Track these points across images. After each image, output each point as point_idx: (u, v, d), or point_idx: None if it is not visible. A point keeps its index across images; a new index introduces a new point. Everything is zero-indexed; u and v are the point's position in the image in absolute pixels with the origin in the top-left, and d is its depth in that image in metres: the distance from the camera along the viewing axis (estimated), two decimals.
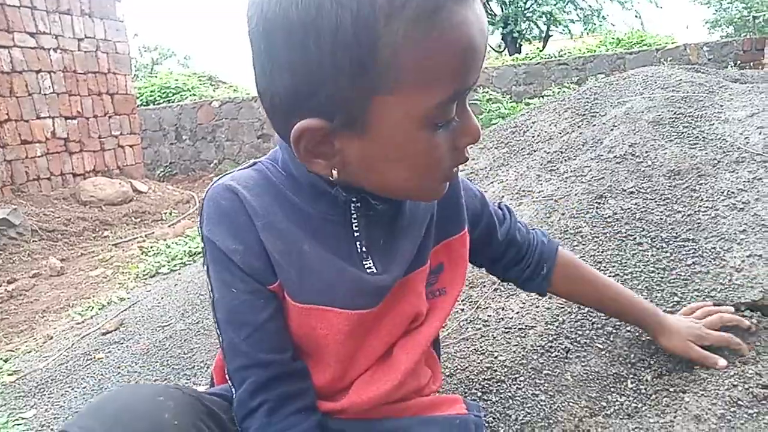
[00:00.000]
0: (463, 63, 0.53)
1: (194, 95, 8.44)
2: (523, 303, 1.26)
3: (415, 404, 0.77)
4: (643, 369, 1.03)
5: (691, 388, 0.94)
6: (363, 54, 0.50)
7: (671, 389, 0.96)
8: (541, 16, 14.81)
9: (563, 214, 1.50)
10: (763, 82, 2.07)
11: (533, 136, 2.09)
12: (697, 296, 1.10)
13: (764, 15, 16.40)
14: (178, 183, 6.89)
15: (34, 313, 2.93)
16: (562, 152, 1.85)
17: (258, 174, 0.66)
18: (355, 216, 0.66)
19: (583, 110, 2.08)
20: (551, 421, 0.93)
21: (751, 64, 6.79)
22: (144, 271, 3.19)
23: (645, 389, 0.99)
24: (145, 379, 1.61)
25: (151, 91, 8.42)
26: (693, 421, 0.85)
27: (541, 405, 0.97)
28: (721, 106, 1.71)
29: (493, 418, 0.97)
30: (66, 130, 4.99)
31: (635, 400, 0.96)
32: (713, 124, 1.62)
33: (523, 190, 1.72)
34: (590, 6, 14.53)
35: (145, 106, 7.89)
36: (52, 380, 1.77)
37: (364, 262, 0.67)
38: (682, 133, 1.64)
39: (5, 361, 2.08)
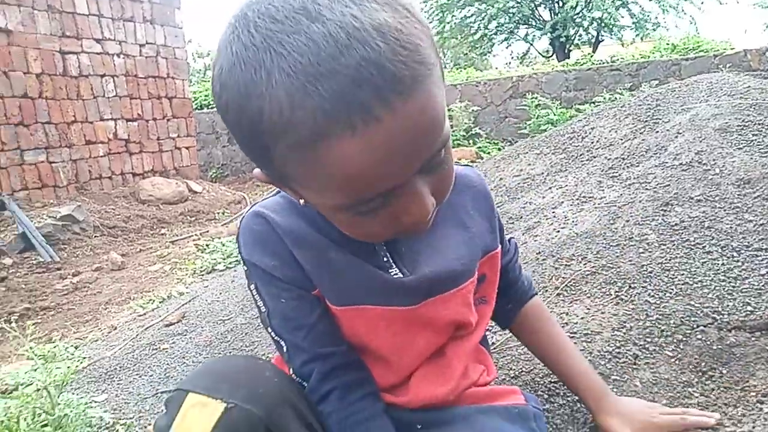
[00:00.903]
0: (354, 185, 0.51)
1: None
2: (588, 309, 1.25)
3: (473, 394, 0.79)
4: (714, 378, 1.02)
5: None
6: (262, 155, 0.53)
7: (747, 399, 0.94)
8: (591, 22, 14.54)
9: (627, 221, 1.49)
10: None
11: (592, 142, 2.07)
12: None
13: None
14: (229, 184, 7.09)
15: (98, 304, 3.08)
16: (624, 158, 1.83)
17: (284, 199, 0.72)
18: None
19: (644, 117, 2.05)
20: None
21: None
22: (201, 267, 3.30)
23: (717, 398, 0.97)
24: None
25: (206, 95, 8.70)
26: None
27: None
28: None
29: (561, 420, 0.98)
30: (127, 131, 5.22)
31: (709, 408, 0.95)
32: None
33: (584, 196, 1.71)
34: (643, 11, 14.16)
35: (199, 109, 8.16)
36: (120, 368, 1.86)
37: (390, 270, 0.71)
38: (752, 141, 1.59)
39: (76, 348, 2.19)
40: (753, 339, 1.06)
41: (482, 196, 0.80)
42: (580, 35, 14.86)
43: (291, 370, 0.72)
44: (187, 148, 5.92)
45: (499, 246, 0.82)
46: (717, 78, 2.09)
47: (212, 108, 8.76)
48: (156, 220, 4.79)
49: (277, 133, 0.49)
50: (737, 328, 1.08)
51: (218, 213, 5.30)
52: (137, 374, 1.78)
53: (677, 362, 1.05)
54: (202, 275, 3.26)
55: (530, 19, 14.90)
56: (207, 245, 4.04)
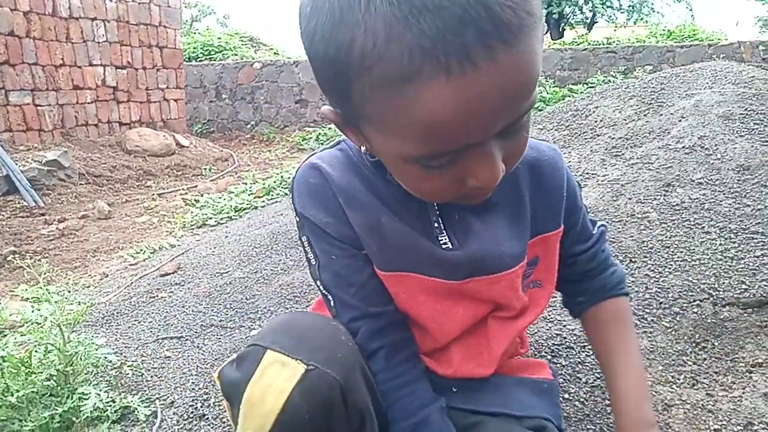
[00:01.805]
0: (435, 135, 0.49)
1: (236, 55, 8.49)
2: None
3: (507, 364, 0.81)
4: (707, 349, 1.08)
5: (757, 370, 0.98)
6: (341, 89, 0.51)
7: (736, 369, 1.01)
8: (587, 2, 14.48)
9: (630, 199, 1.53)
10: None
11: (596, 121, 2.11)
12: (765, 286, 1.14)
13: None
14: (214, 140, 6.99)
15: (85, 252, 3.06)
16: (627, 139, 1.87)
17: (341, 153, 0.71)
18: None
19: (649, 99, 2.09)
20: None
21: None
22: (191, 221, 3.30)
23: (708, 367, 1.04)
24: (210, 319, 1.70)
25: (194, 48, 8.48)
26: (762, 398, 0.90)
27: None
28: None
29: (564, 380, 1.03)
30: (115, 79, 5.09)
31: (701, 376, 1.01)
32: None
33: (588, 173, 1.75)
34: None
35: (187, 61, 7.96)
36: (117, 313, 1.87)
37: (440, 237, 0.69)
38: (753, 129, 1.64)
39: (69, 292, 2.19)
40: (745, 315, 1.12)
41: (549, 172, 0.73)
42: (575, 14, 14.80)
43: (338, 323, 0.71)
44: (175, 100, 5.80)
45: (560, 227, 0.76)
46: (722, 66, 2.14)
47: (200, 60, 8.56)
48: (142, 171, 4.73)
49: (365, 66, 0.47)
50: (731, 304, 1.14)
51: (205, 169, 5.25)
52: (135, 320, 1.80)
53: (673, 333, 1.11)
54: (192, 229, 3.25)
55: None
56: (196, 200, 4.02)
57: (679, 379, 1.01)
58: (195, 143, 5.71)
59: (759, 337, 1.10)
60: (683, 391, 0.97)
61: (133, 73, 5.26)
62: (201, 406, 1.26)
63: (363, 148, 0.62)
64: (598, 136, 1.98)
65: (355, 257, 0.69)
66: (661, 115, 1.91)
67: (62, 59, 4.65)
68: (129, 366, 1.34)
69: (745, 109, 1.74)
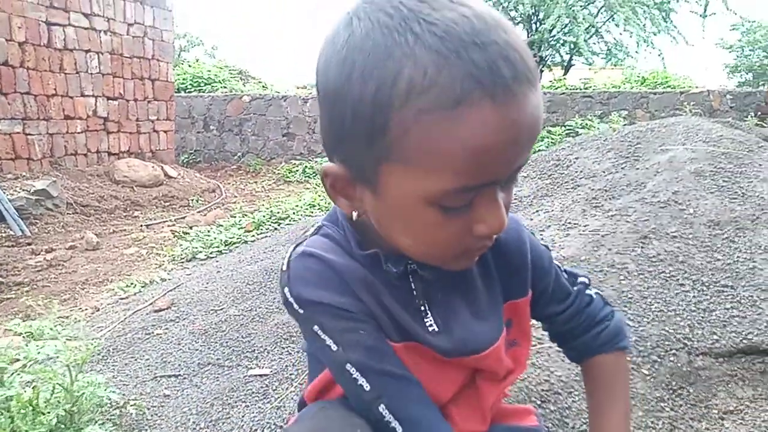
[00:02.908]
0: (473, 162, 0.53)
1: (225, 87, 8.62)
2: None
3: (499, 411, 0.87)
4: (682, 396, 1.17)
5: (729, 417, 1.07)
6: (377, 125, 0.54)
7: (710, 416, 1.10)
8: (564, 44, 15.00)
9: (610, 250, 1.64)
10: None
11: (577, 172, 2.24)
12: (735, 337, 1.24)
13: None
14: (201, 170, 7.04)
15: (74, 284, 3.07)
16: (606, 190, 1.99)
17: (328, 239, 0.71)
18: (412, 279, 0.72)
19: (626, 152, 2.22)
20: None
21: None
22: (180, 254, 3.33)
23: (684, 413, 1.12)
24: (207, 357, 1.74)
25: (183, 79, 8.59)
26: None
27: None
28: (760, 165, 1.85)
29: (552, 425, 1.11)
30: (107, 109, 5.15)
31: (677, 422, 1.10)
32: (752, 181, 1.76)
33: (570, 222, 1.86)
34: (615, 40, 14.70)
35: (176, 92, 8.06)
36: (113, 350, 1.90)
37: (426, 320, 0.72)
38: (723, 186, 1.78)
39: (63, 327, 2.21)
40: (717, 364, 1.22)
41: (513, 246, 0.77)
42: (553, 56, 15.30)
43: (379, 407, 0.69)
44: (165, 131, 5.86)
45: (528, 294, 0.79)
46: (693, 123, 2.29)
47: (189, 92, 8.66)
48: (130, 202, 4.75)
49: (414, 94, 0.51)
50: (704, 354, 1.23)
51: (192, 200, 5.29)
52: (132, 357, 1.83)
53: (652, 380, 1.20)
54: (182, 263, 3.28)
55: None
56: (185, 233, 4.05)
57: (657, 425, 1.09)
58: (183, 174, 5.75)
59: (730, 385, 1.19)
60: None
61: (124, 104, 5.33)
62: None
63: (355, 215, 0.64)
64: (579, 186, 2.10)
65: (378, 330, 0.69)
66: (638, 168, 2.04)
67: (54, 89, 4.70)
68: (132, 405, 1.38)
69: (715, 167, 1.88)
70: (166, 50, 5.79)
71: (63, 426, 1.25)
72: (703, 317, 1.32)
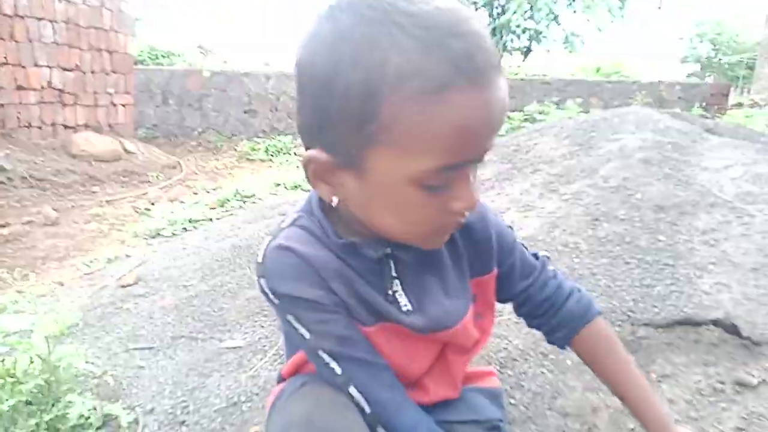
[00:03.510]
0: (457, 141, 0.58)
1: (184, 61, 8.40)
2: None
3: (465, 375, 0.94)
4: None
5: (665, 380, 1.21)
6: (366, 111, 0.58)
7: (649, 379, 1.23)
8: (524, 31, 15.23)
9: (564, 231, 1.76)
10: (734, 137, 2.39)
11: (536, 157, 2.36)
12: (673, 310, 1.38)
13: (729, 59, 17.36)
14: (159, 146, 6.89)
15: (34, 259, 3.02)
16: (561, 176, 2.12)
17: (304, 231, 0.74)
18: (391, 263, 0.76)
19: (581, 140, 2.35)
20: (557, 393, 1.19)
21: (716, 107, 7.32)
22: (144, 231, 3.31)
23: None
24: (179, 330, 1.78)
25: (141, 51, 8.33)
26: (668, 403, 1.12)
27: (549, 380, 1.23)
28: (702, 155, 2.01)
29: (510, 387, 1.22)
30: (62, 81, 4.97)
31: None
32: (694, 170, 1.92)
33: (528, 205, 1.98)
34: (573, 30, 15.04)
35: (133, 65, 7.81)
36: (85, 324, 1.91)
37: (400, 300, 0.77)
38: (668, 174, 1.92)
39: (28, 302, 2.20)
40: (656, 334, 1.35)
41: (478, 226, 0.82)
42: (513, 42, 15.52)
43: (349, 389, 0.74)
44: (123, 105, 5.71)
45: (493, 270, 0.85)
46: (643, 113, 2.44)
47: (146, 65, 8.41)
48: (88, 176, 4.64)
49: (402, 79, 0.56)
50: (645, 325, 1.37)
51: (153, 176, 5.20)
52: (103, 331, 1.85)
53: None
54: (146, 239, 3.26)
55: None
56: (146, 209, 4.01)
57: (603, 387, 1.21)
58: (142, 149, 5.64)
59: (667, 353, 1.32)
60: (607, 397, 1.17)
61: (81, 76, 5.15)
62: (180, 413, 1.36)
63: (335, 201, 0.68)
64: (538, 171, 2.22)
65: (349, 320, 0.74)
66: (591, 155, 2.17)
67: (5, 57, 4.52)
68: (110, 375, 1.42)
69: (662, 156, 2.02)
70: (124, 21, 5.61)
71: (41, 395, 1.28)
72: (645, 292, 1.45)
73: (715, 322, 1.31)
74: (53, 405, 1.27)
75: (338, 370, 0.74)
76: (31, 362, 1.30)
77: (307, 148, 0.67)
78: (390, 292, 0.76)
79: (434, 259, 0.79)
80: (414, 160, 0.60)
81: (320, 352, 0.73)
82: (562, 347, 0.92)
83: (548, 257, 0.93)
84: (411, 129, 0.58)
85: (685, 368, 1.22)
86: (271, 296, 0.73)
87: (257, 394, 1.37)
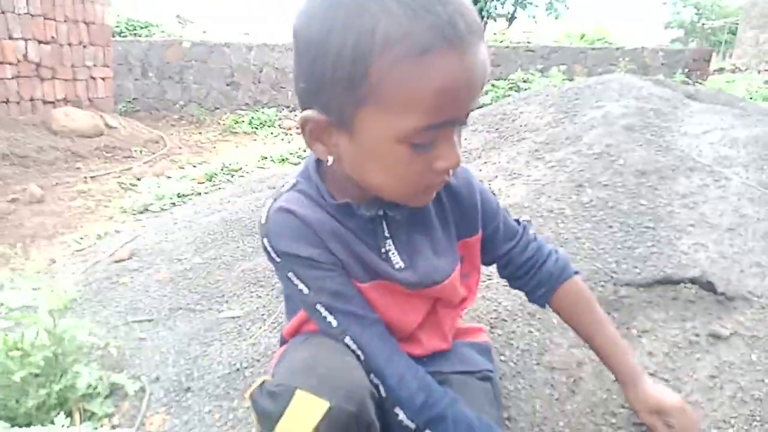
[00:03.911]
0: (439, 102, 0.63)
1: (162, 32, 8.21)
2: None
3: (456, 330, 1.02)
4: (611, 320, 1.37)
5: (645, 335, 1.28)
6: (356, 73, 0.63)
7: (630, 335, 1.30)
8: None
9: (549, 197, 1.82)
10: (714, 103, 2.45)
11: (522, 125, 2.40)
12: (653, 270, 1.45)
13: (712, 24, 17.41)
14: (141, 120, 6.80)
15: (23, 237, 3.02)
16: (547, 143, 2.16)
17: (302, 195, 0.80)
18: (384, 221, 0.82)
19: (565, 108, 2.40)
20: (544, 349, 1.26)
21: (698, 72, 7.40)
22: (131, 206, 3.31)
23: None
24: (177, 302, 1.82)
25: (118, 22, 8.12)
26: (647, 355, 1.20)
27: (536, 338, 1.29)
28: (683, 121, 2.06)
29: (500, 345, 1.28)
30: (39, 54, 4.86)
31: None
32: (674, 135, 1.97)
33: (515, 173, 2.03)
34: None
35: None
36: (81, 298, 1.94)
37: (393, 258, 0.83)
38: (650, 140, 1.98)
39: (24, 279, 2.21)
40: (638, 293, 1.42)
41: (464, 190, 0.89)
42: (496, 8, 15.39)
43: (345, 339, 0.80)
44: (103, 78, 5.60)
45: (478, 232, 0.92)
46: (626, 80, 2.48)
47: (124, 36, 8.21)
48: (70, 152, 4.59)
49: (390, 43, 0.60)
50: (627, 285, 1.43)
51: (136, 151, 5.16)
52: (101, 305, 1.88)
53: None
54: (134, 214, 3.28)
55: None
56: (132, 184, 4.00)
57: (587, 344, 1.29)
58: (124, 124, 5.57)
59: (647, 310, 1.40)
60: (590, 352, 1.24)
61: (57, 49, 5.04)
62: (185, 380, 1.41)
63: (330, 160, 0.73)
64: (524, 139, 2.26)
65: (344, 276, 0.80)
66: (575, 123, 2.21)
67: None
68: (114, 346, 1.46)
69: (644, 122, 2.08)
70: None
71: (49, 367, 1.32)
72: (627, 254, 1.52)
73: (693, 281, 1.38)
74: (61, 376, 1.31)
75: (334, 323, 0.80)
76: (37, 335, 1.34)
77: (303, 111, 0.72)
78: (383, 251, 0.83)
79: (424, 220, 0.86)
80: (400, 120, 0.65)
81: (318, 306, 0.80)
82: (542, 305, 1.00)
83: (529, 221, 1.02)
84: (397, 90, 0.63)
85: (663, 323, 1.29)
86: (273, 254, 0.79)
87: (258, 360, 1.43)
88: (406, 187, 0.73)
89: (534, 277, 0.97)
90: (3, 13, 4.61)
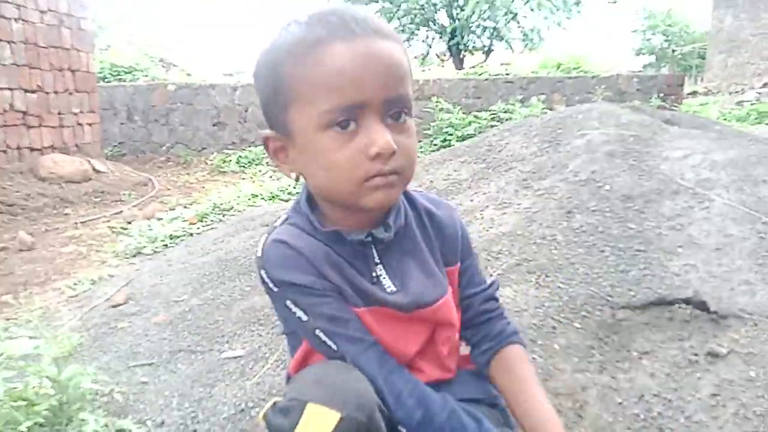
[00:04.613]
0: (338, 83, 0.72)
1: (146, 76, 8.31)
2: (516, 292, 1.60)
3: (462, 358, 1.06)
4: (609, 343, 1.40)
5: (645, 357, 1.32)
6: (276, 83, 0.76)
7: (631, 357, 1.34)
8: (484, 31, 15.53)
9: (541, 224, 1.87)
10: (691, 127, 2.55)
11: (508, 155, 2.47)
12: (647, 292, 1.49)
13: (681, 50, 18.03)
14: (128, 163, 6.81)
15: (14, 285, 2.98)
16: (534, 172, 2.23)
17: (294, 227, 0.85)
18: (373, 247, 0.85)
19: (549, 137, 2.47)
20: (549, 375, 1.28)
21: (673, 97, 7.63)
22: (124, 250, 3.30)
23: (611, 357, 1.36)
24: (177, 345, 1.82)
25: (102, 68, 8.20)
26: (649, 377, 1.23)
27: (540, 364, 1.32)
28: (662, 146, 2.14)
29: None
30: (25, 103, 4.89)
31: (606, 364, 1.33)
32: (656, 160, 2.05)
33: (505, 202, 2.08)
34: (533, 26, 15.41)
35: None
36: (81, 346, 1.92)
37: (384, 283, 0.86)
38: (633, 165, 2.05)
39: (19, 327, 2.19)
40: (634, 315, 1.46)
41: (446, 221, 0.93)
42: (474, 42, 15.81)
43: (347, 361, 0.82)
44: (89, 124, 5.63)
45: (458, 263, 0.94)
46: (605, 109, 2.58)
47: (108, 81, 8.28)
48: (59, 199, 4.58)
49: (292, 49, 0.73)
50: (624, 308, 1.48)
51: (125, 194, 5.15)
52: (101, 350, 1.87)
53: (583, 331, 1.43)
54: (127, 258, 3.26)
55: (430, 23, 15.60)
56: (123, 228, 3.98)
57: (590, 368, 1.32)
58: (111, 168, 5.58)
59: (645, 332, 1.44)
60: (594, 376, 1.27)
61: (44, 97, 5.07)
62: (191, 423, 1.41)
63: (293, 176, 0.82)
64: (511, 169, 2.33)
65: (340, 301, 0.83)
66: (560, 152, 2.29)
67: None
68: (118, 392, 1.46)
69: (625, 148, 2.15)
70: (85, 39, 5.54)
71: (55, 416, 1.31)
72: (621, 278, 1.56)
73: (687, 301, 1.42)
74: (67, 424, 1.31)
75: (334, 347, 0.83)
76: (41, 384, 1.33)
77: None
78: (374, 275, 0.86)
79: (411, 244, 0.89)
80: (313, 107, 0.73)
81: (317, 331, 0.83)
82: (484, 364, 0.96)
83: (497, 282, 1.01)
84: (303, 81, 0.73)
85: (662, 344, 1.33)
86: (271, 285, 0.83)
87: (264, 399, 1.43)
88: (347, 180, 0.76)
89: (484, 328, 0.96)
90: None
